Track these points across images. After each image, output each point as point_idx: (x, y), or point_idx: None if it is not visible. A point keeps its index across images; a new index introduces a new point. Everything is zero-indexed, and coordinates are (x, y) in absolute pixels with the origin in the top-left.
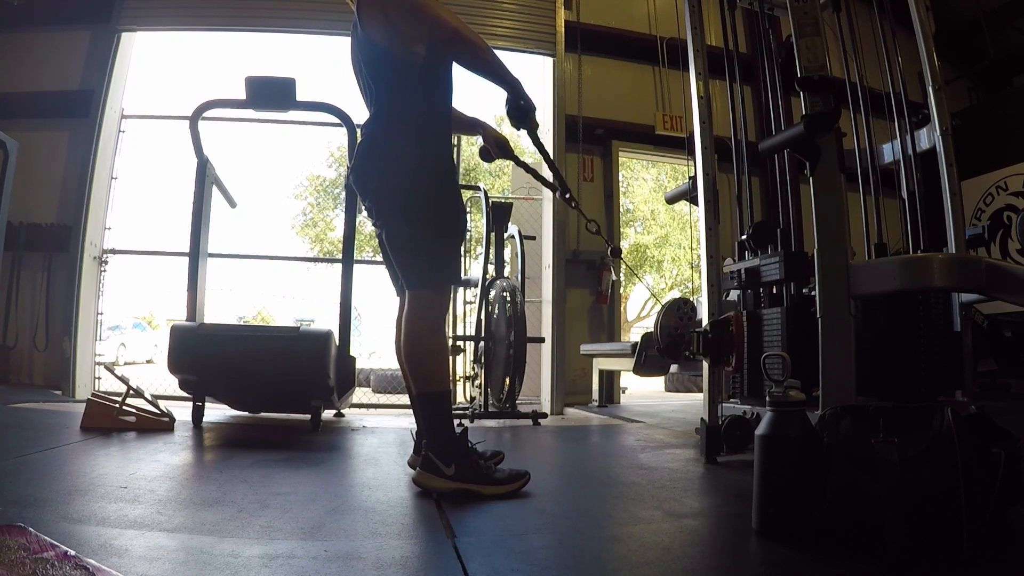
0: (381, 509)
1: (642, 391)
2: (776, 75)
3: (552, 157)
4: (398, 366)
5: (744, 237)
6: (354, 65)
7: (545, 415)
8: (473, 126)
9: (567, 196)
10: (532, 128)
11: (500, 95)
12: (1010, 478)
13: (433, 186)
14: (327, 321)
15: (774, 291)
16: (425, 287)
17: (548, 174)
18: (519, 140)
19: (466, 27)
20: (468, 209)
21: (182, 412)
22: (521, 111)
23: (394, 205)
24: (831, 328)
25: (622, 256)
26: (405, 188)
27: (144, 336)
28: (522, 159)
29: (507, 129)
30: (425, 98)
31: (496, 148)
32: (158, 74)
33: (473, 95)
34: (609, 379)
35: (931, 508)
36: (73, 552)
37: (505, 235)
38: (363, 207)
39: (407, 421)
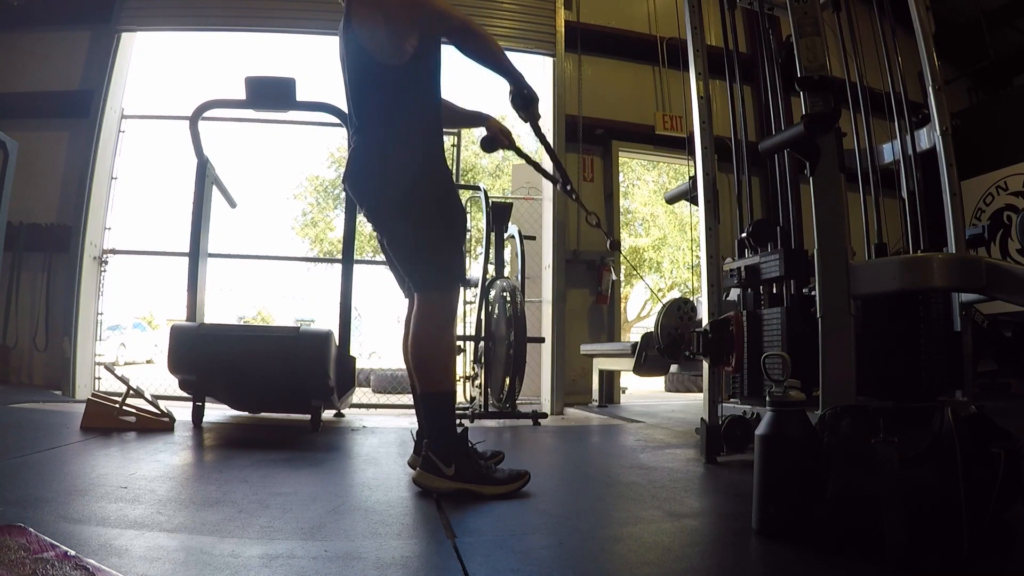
0: (381, 509)
1: (642, 391)
2: (776, 75)
3: (553, 147)
4: (398, 366)
5: (744, 235)
6: (343, 69)
7: (545, 415)
8: (477, 119)
9: (568, 188)
10: (535, 118)
11: (497, 90)
12: (1010, 478)
13: (430, 187)
14: (327, 321)
15: (774, 291)
16: (434, 289)
17: (549, 167)
18: (519, 137)
19: (471, 19)
20: (468, 209)
21: (182, 412)
22: (525, 100)
23: (394, 209)
24: (831, 328)
25: (621, 251)
26: (403, 192)
27: (144, 336)
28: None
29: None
30: (414, 100)
31: (503, 138)
32: (158, 74)
33: (473, 91)
34: (609, 379)
35: (931, 508)
36: (73, 552)
37: (505, 235)
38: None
39: (407, 421)
